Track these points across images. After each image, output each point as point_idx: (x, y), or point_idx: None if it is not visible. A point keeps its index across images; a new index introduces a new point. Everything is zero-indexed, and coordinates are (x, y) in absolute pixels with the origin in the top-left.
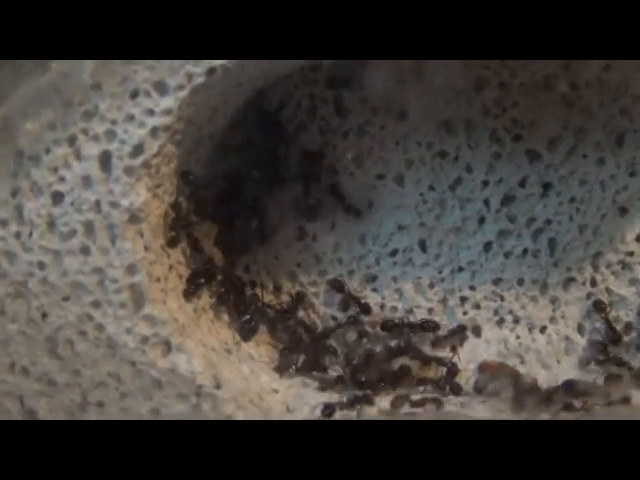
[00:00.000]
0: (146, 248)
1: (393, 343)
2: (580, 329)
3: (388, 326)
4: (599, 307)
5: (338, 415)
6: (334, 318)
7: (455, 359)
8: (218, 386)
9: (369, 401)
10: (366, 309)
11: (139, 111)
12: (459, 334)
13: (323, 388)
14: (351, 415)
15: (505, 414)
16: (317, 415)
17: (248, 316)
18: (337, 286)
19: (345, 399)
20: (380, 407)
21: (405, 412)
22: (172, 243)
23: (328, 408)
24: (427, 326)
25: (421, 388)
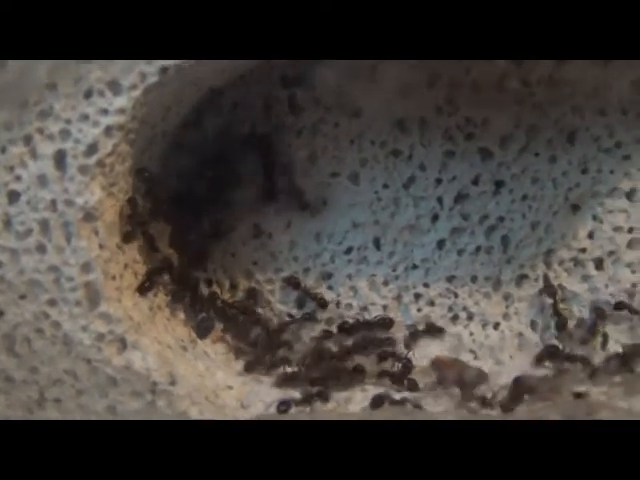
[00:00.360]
0: (101, 246)
1: (349, 340)
2: (533, 325)
3: (345, 328)
4: (549, 292)
5: (294, 411)
6: (290, 315)
7: (410, 355)
8: (173, 383)
9: (324, 397)
10: (323, 304)
11: (93, 110)
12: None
13: (278, 384)
14: (305, 411)
15: (454, 410)
16: (272, 412)
17: (204, 314)
18: (293, 283)
19: (300, 396)
20: (338, 403)
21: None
22: (127, 238)
23: (284, 404)
24: (382, 323)
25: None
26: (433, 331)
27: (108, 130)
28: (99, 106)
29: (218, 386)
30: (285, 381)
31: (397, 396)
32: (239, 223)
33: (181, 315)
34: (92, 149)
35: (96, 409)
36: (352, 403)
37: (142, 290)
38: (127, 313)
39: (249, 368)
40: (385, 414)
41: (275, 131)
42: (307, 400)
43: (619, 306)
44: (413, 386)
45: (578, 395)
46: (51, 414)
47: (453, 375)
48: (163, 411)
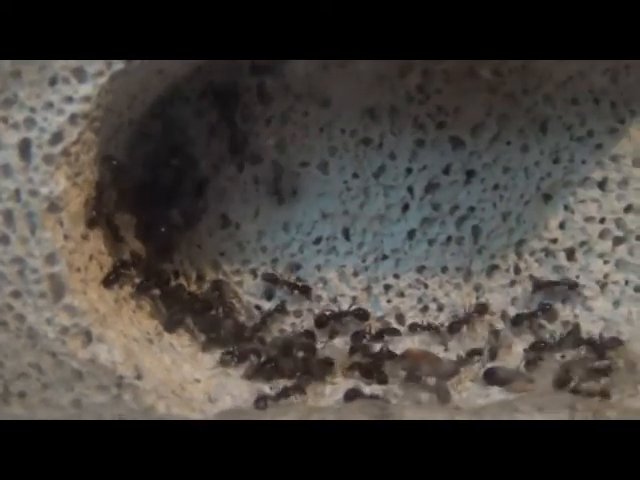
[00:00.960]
0: (66, 237)
1: (321, 332)
2: (504, 316)
3: (322, 321)
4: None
5: (270, 405)
6: (258, 307)
7: (380, 348)
8: (139, 376)
9: (300, 391)
10: (306, 291)
11: (58, 98)
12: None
13: (247, 377)
14: (283, 404)
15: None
16: (246, 406)
17: (175, 307)
18: (271, 279)
19: (275, 390)
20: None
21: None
22: (91, 224)
23: (261, 400)
24: (357, 314)
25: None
26: (402, 323)
27: (73, 118)
28: (64, 94)
29: (185, 379)
30: (254, 374)
31: (367, 390)
32: (206, 213)
33: (147, 307)
34: (57, 138)
35: (61, 403)
36: (325, 397)
37: (107, 283)
38: (92, 305)
39: (217, 361)
40: (356, 407)
41: (244, 120)
42: (284, 394)
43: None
44: (383, 379)
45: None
46: (15, 409)
47: (426, 368)
48: (129, 405)
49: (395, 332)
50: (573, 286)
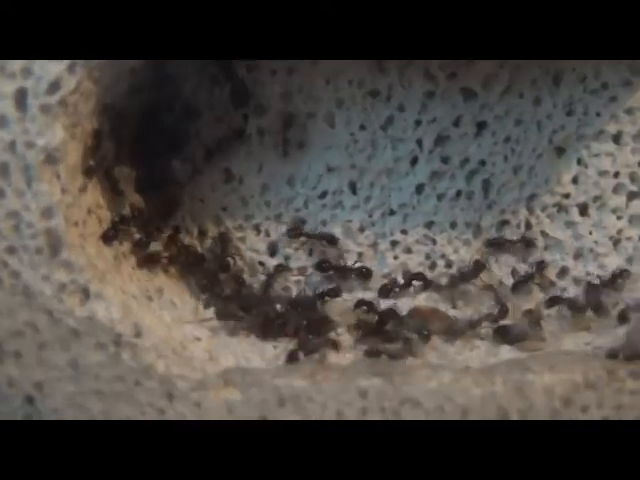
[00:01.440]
0: (63, 190)
1: (322, 288)
2: (514, 273)
3: (323, 267)
4: None
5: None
6: (261, 263)
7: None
8: (138, 334)
9: (305, 350)
10: (332, 241)
11: None
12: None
13: (251, 335)
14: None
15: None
16: (248, 364)
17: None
18: (296, 233)
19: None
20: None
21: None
22: (89, 173)
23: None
24: (360, 273)
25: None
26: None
27: (71, 67)
28: None
29: (186, 338)
30: (258, 332)
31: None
32: (208, 166)
33: (148, 264)
34: (54, 87)
35: (58, 363)
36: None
37: (106, 238)
38: (90, 261)
39: (219, 317)
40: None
41: (248, 70)
42: (292, 356)
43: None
44: (390, 338)
45: None
46: (10, 369)
47: (435, 325)
48: (128, 364)
49: (403, 288)
50: (529, 244)
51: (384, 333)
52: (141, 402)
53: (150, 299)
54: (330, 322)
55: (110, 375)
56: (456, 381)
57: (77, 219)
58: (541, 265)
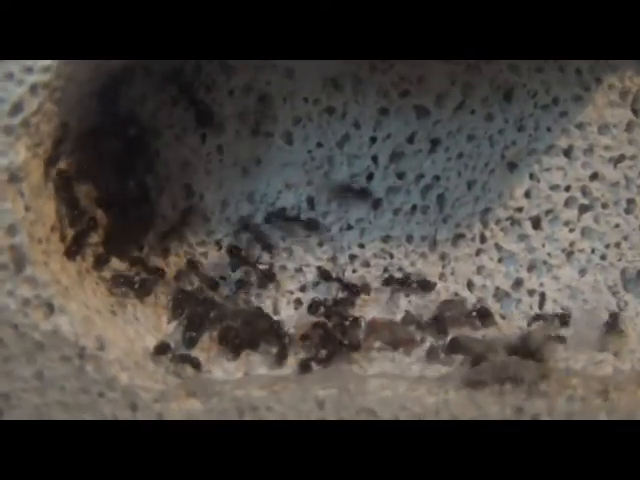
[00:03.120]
0: (27, 208)
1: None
2: (470, 285)
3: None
4: None
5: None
6: (223, 278)
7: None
8: (101, 347)
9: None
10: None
11: (18, 69)
12: None
13: (211, 348)
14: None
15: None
16: (210, 377)
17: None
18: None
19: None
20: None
21: None
22: (51, 190)
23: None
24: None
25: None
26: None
27: (33, 89)
28: (23, 64)
29: (148, 350)
30: (217, 345)
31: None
32: (169, 184)
33: (111, 280)
34: (17, 108)
35: (24, 375)
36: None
37: (69, 254)
38: (54, 277)
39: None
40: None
41: (207, 91)
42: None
43: None
44: (347, 347)
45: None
46: None
47: (385, 335)
48: (92, 376)
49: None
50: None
51: (335, 342)
52: (105, 413)
53: (114, 313)
54: (285, 334)
55: (74, 387)
56: (411, 390)
57: (41, 236)
58: None
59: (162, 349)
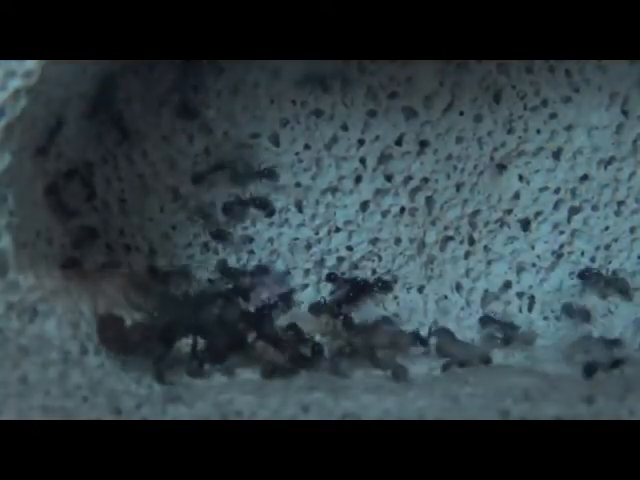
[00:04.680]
0: (11, 213)
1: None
2: (458, 288)
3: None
4: None
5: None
6: (210, 281)
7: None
8: (86, 352)
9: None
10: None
11: (0, 74)
12: None
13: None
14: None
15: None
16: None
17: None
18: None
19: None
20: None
21: None
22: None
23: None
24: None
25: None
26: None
27: (16, 93)
28: (6, 68)
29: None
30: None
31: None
32: (157, 186)
33: (97, 284)
34: (0, 113)
35: (8, 380)
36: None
37: (66, 264)
38: (39, 281)
39: None
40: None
41: (194, 91)
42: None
43: None
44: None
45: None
46: None
47: (381, 340)
48: (77, 381)
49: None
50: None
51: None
52: (89, 418)
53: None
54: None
55: (59, 392)
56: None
57: (26, 240)
58: None
59: None
